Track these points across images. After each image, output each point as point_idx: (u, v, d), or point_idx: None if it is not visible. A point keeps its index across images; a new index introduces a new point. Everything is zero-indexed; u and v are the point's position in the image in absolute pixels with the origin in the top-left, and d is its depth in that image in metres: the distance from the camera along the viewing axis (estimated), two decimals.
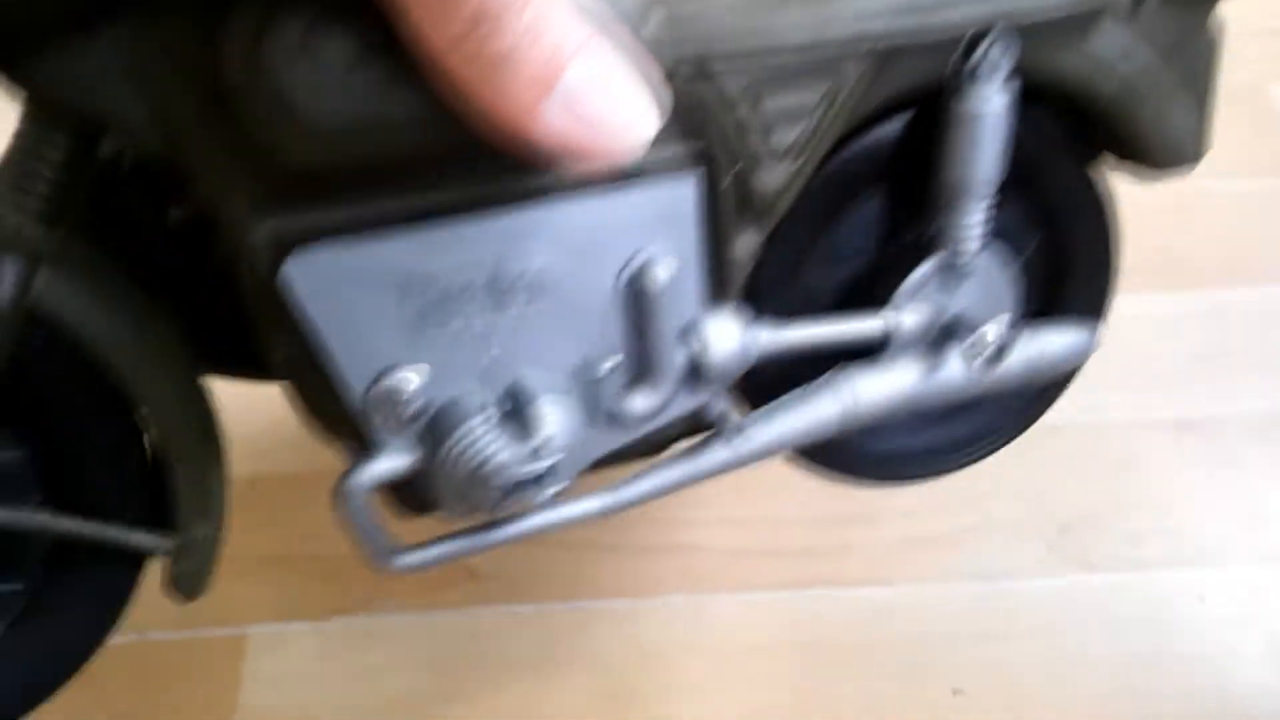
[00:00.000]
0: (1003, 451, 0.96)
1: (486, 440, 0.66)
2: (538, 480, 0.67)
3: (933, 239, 0.83)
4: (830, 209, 0.80)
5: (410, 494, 0.73)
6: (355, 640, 0.97)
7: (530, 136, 0.55)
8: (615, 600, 0.93)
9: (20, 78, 0.58)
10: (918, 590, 0.94)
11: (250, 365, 0.79)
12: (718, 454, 0.78)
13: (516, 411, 0.68)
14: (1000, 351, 0.78)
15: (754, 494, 0.99)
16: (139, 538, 0.68)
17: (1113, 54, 0.77)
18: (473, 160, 0.63)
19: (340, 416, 0.68)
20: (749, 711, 0.87)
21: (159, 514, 0.70)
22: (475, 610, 0.97)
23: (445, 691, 0.90)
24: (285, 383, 0.70)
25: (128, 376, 0.64)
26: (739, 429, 0.77)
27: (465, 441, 0.66)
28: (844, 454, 0.89)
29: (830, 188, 0.79)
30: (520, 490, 0.67)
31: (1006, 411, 0.94)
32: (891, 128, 0.78)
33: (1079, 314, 0.90)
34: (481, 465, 0.66)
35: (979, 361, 0.78)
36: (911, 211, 0.84)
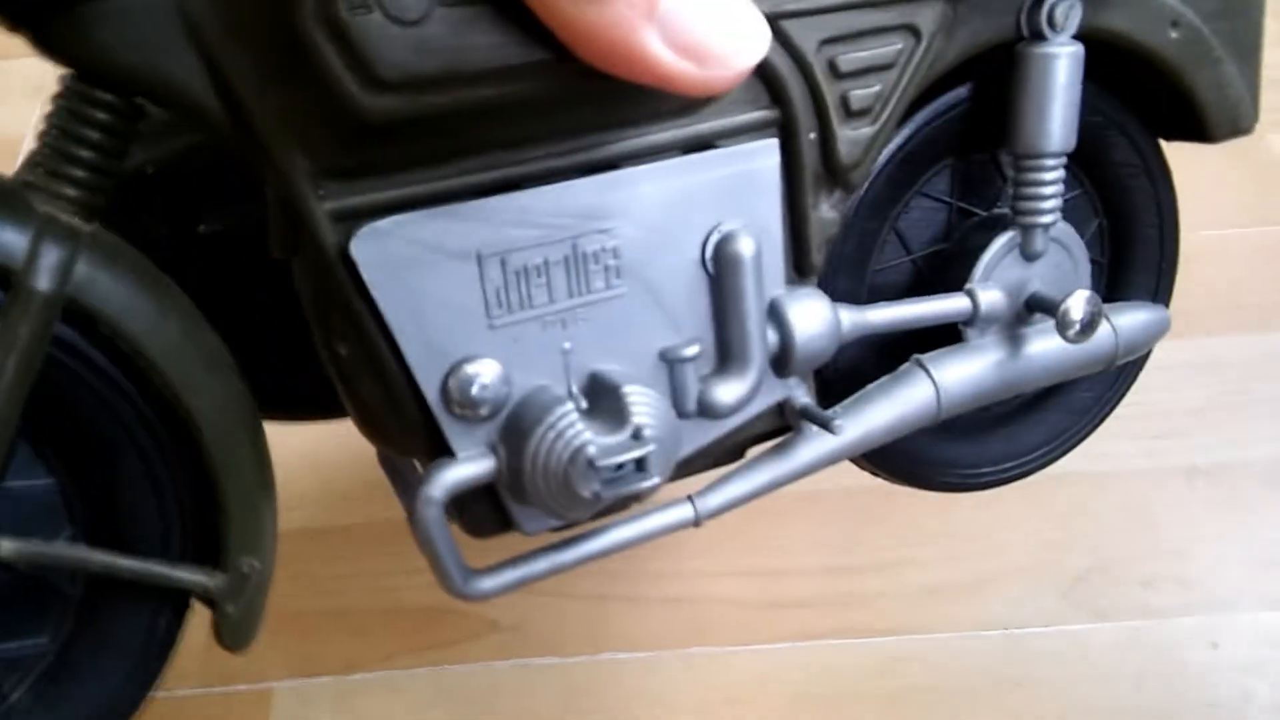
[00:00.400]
0: (1013, 501, 0.98)
1: (578, 429, 0.59)
2: (637, 467, 0.60)
3: (1003, 218, 0.79)
4: (898, 189, 0.77)
5: (484, 510, 0.66)
6: (377, 694, 0.96)
7: (633, 62, 0.51)
8: (635, 653, 0.94)
9: (66, 43, 0.52)
10: (932, 641, 0.94)
11: (279, 401, 0.72)
12: (804, 453, 0.72)
13: (602, 402, 0.62)
14: (1091, 323, 0.74)
15: (769, 547, 1.00)
16: (185, 574, 0.59)
17: (1165, 16, 0.76)
18: (545, 119, 0.59)
19: (408, 422, 0.61)
20: None
21: (203, 550, 0.61)
22: (495, 664, 0.97)
23: None
24: (346, 390, 0.63)
25: (176, 380, 0.56)
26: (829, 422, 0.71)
27: (555, 432, 0.59)
28: (919, 459, 0.84)
29: (899, 166, 0.75)
30: (618, 482, 0.60)
31: (1073, 411, 0.90)
32: (958, 96, 0.75)
33: (1143, 298, 0.87)
34: (576, 455, 0.59)
35: (1072, 333, 0.74)
36: (980, 190, 0.80)
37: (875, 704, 0.90)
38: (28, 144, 1.37)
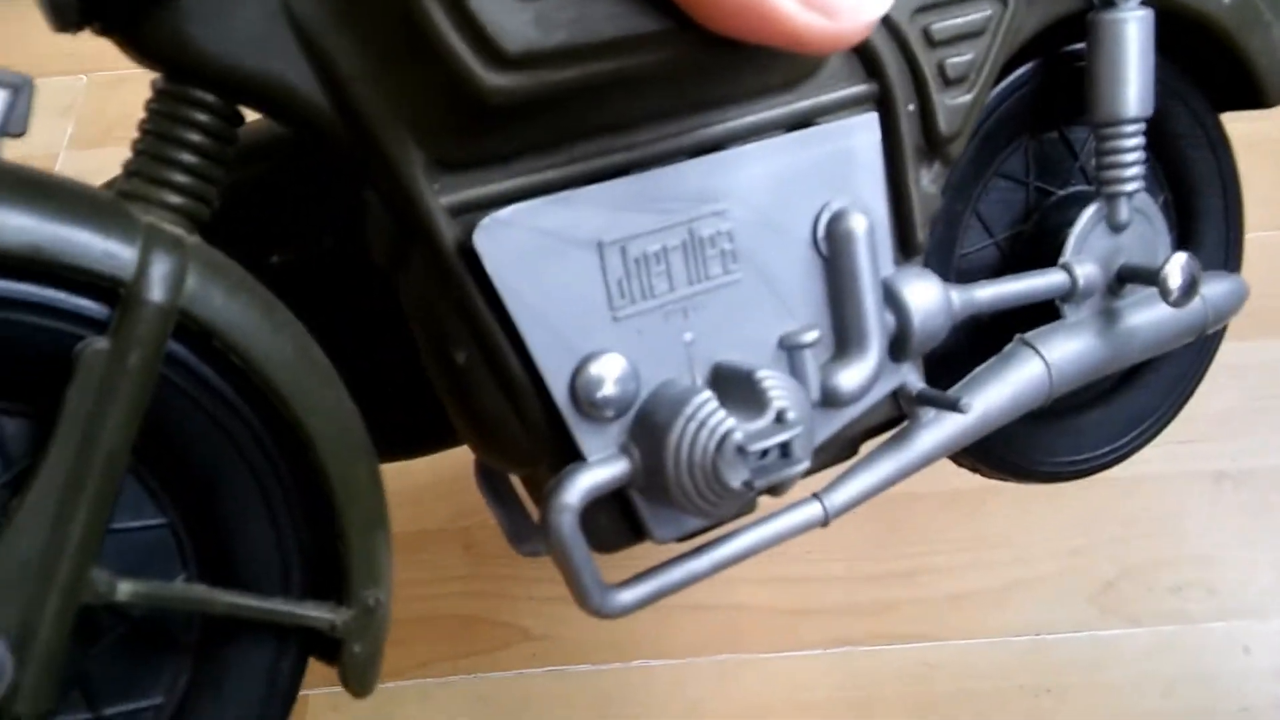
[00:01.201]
0: (1041, 507, 0.99)
1: (720, 416, 0.56)
2: (782, 454, 0.57)
3: (1080, 195, 0.78)
4: (979, 170, 0.75)
5: (611, 520, 0.61)
6: (412, 702, 0.95)
7: (763, 19, 0.49)
8: (667, 660, 0.94)
9: (159, 43, 0.49)
10: (964, 646, 0.94)
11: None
12: (924, 440, 0.69)
13: (734, 390, 0.59)
14: (1192, 286, 0.72)
15: (799, 554, 1.00)
16: (311, 611, 0.54)
17: None
18: (655, 98, 0.57)
19: (533, 427, 0.57)
20: None
21: (322, 587, 0.56)
22: (528, 671, 0.96)
23: None
24: (461, 402, 0.59)
25: (293, 398, 0.52)
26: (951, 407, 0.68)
27: (696, 422, 0.56)
28: (1022, 448, 0.81)
29: (978, 146, 0.74)
30: (767, 470, 0.57)
31: (1160, 390, 0.88)
32: (1026, 73, 0.75)
33: (1214, 269, 0.86)
34: (723, 443, 0.55)
35: (1174, 297, 0.72)
36: (1054, 168, 0.79)
37: (906, 709, 0.89)
38: (61, 163, 1.34)
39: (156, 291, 0.48)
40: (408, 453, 0.71)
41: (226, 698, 0.54)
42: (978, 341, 0.76)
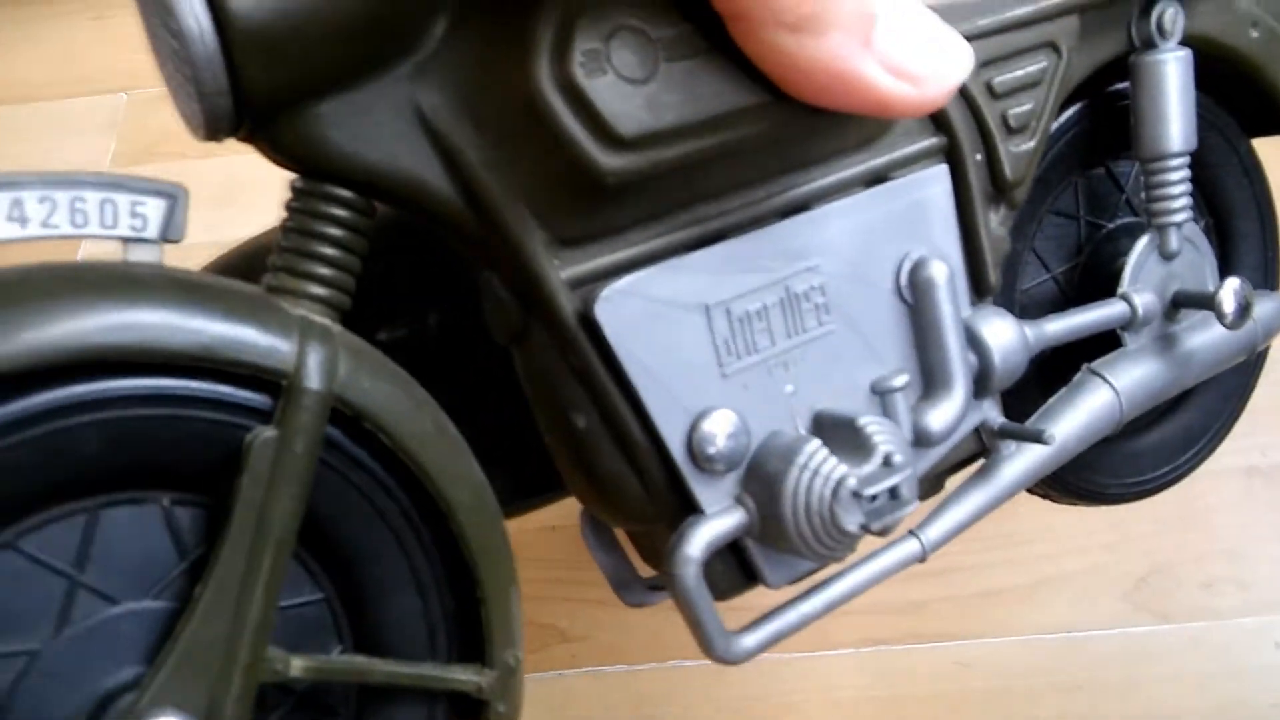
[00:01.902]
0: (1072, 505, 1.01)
1: (832, 464, 0.59)
2: (893, 496, 0.60)
3: (1130, 226, 0.82)
4: (1034, 208, 0.79)
5: (726, 568, 0.64)
6: None
7: (854, 91, 0.53)
8: (701, 660, 0.94)
9: (298, 145, 0.52)
10: (995, 645, 0.94)
11: None
12: (1008, 472, 0.72)
13: (837, 437, 0.62)
14: (1246, 308, 0.76)
15: None
16: (459, 675, 0.57)
17: (1246, 19, 0.81)
18: (749, 165, 0.60)
19: (651, 485, 0.60)
20: None
21: (462, 650, 0.59)
22: (566, 672, 0.97)
23: None
24: (580, 465, 0.61)
25: (436, 472, 0.55)
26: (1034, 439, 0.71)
27: (810, 471, 0.59)
28: (1090, 472, 0.84)
29: (1034, 186, 0.78)
30: (879, 513, 0.59)
31: (1212, 409, 0.91)
32: (1073, 115, 0.79)
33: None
34: (839, 489, 0.58)
35: (1230, 320, 0.75)
36: (1103, 203, 0.83)
37: (938, 708, 0.90)
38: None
39: (314, 380, 0.50)
40: (509, 513, 0.74)
41: None
42: (1036, 372, 0.79)
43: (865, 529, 0.59)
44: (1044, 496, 0.85)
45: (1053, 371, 0.78)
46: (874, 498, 0.60)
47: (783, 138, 0.59)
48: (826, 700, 0.91)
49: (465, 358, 0.68)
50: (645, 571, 0.74)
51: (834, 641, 0.94)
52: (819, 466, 0.59)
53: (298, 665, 0.51)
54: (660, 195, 0.58)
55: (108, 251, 0.50)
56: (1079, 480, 0.83)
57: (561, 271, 0.57)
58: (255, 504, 0.49)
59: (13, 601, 0.47)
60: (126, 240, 0.50)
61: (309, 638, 0.54)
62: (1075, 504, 0.86)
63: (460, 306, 0.67)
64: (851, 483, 0.59)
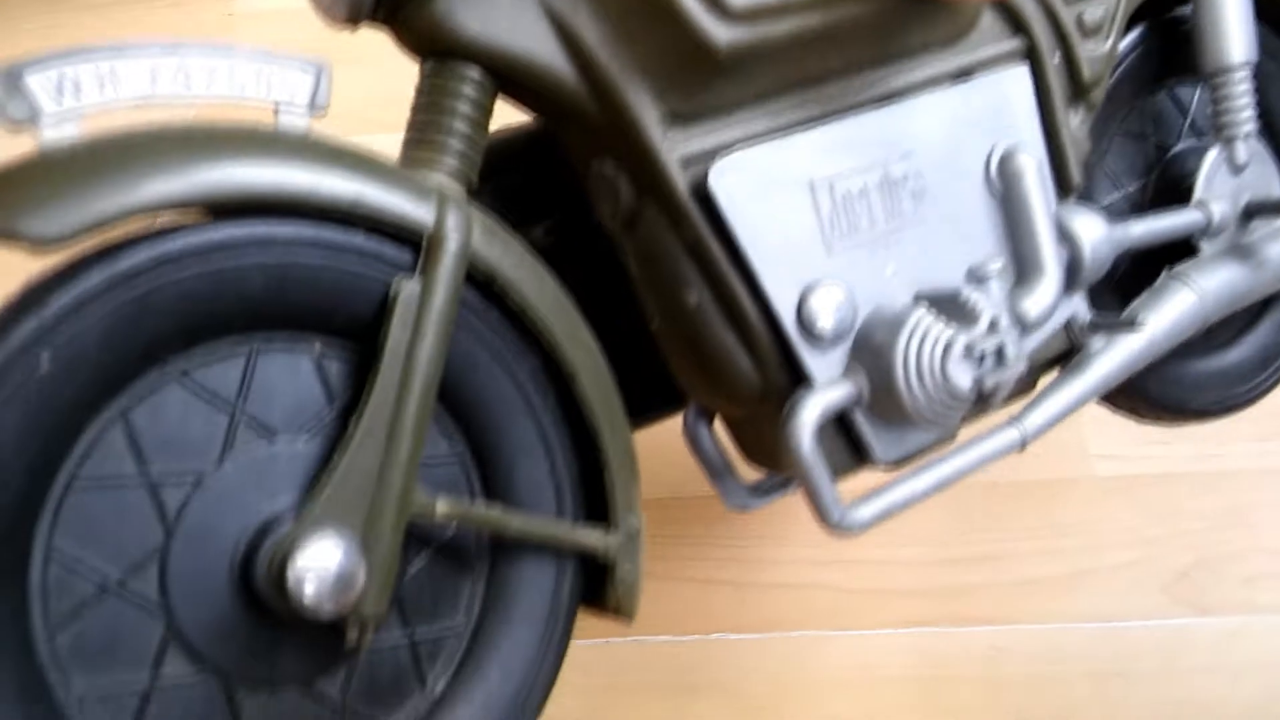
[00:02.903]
0: (1117, 499, 1.01)
1: (941, 326, 0.61)
2: (999, 356, 0.62)
3: (1196, 144, 0.84)
4: (1106, 127, 0.81)
5: (837, 445, 0.66)
6: None
7: None
8: (745, 635, 0.96)
9: (428, 31, 0.56)
10: (1033, 631, 0.95)
11: None
12: (1101, 364, 0.73)
13: (942, 310, 0.64)
14: None
15: (875, 539, 1.01)
16: (587, 534, 0.58)
17: None
18: (848, 52, 0.63)
19: (762, 359, 0.62)
20: None
21: (587, 514, 0.61)
22: (614, 640, 0.97)
23: (588, 716, 0.94)
24: (691, 345, 0.63)
25: (561, 336, 0.57)
26: (1124, 328, 0.72)
27: (919, 335, 0.61)
28: (1177, 385, 0.85)
29: (1105, 104, 0.80)
30: (989, 372, 0.61)
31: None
32: (1136, 38, 0.82)
33: None
34: (949, 348, 0.60)
35: None
36: (1167, 124, 0.86)
37: (974, 689, 0.91)
38: None
39: (453, 237, 0.53)
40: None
41: (516, 620, 0.58)
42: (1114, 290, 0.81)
43: (977, 387, 0.60)
44: (1130, 412, 0.86)
45: (1134, 283, 0.80)
46: (982, 358, 0.61)
47: (879, 25, 0.62)
48: (866, 678, 0.92)
49: (571, 267, 0.71)
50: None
51: (876, 621, 0.96)
52: (929, 329, 0.61)
53: (442, 507, 0.53)
54: (767, 76, 0.61)
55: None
56: (1164, 395, 0.84)
57: (676, 148, 0.60)
58: (402, 347, 0.52)
59: (181, 428, 0.49)
60: (278, 107, 0.53)
61: (447, 493, 0.56)
62: (1160, 420, 0.87)
63: (564, 220, 0.70)
64: (962, 342, 0.60)
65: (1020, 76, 0.70)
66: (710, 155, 0.60)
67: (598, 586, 0.61)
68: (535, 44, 0.57)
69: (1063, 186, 0.73)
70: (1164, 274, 0.79)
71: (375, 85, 1.34)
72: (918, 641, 0.94)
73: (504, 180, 0.71)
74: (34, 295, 0.45)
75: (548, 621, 0.59)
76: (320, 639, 0.51)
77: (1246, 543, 1.01)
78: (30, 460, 0.45)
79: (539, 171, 0.69)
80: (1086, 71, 0.72)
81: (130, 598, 0.47)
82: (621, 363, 0.65)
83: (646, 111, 0.59)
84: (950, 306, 0.63)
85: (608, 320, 0.66)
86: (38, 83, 0.47)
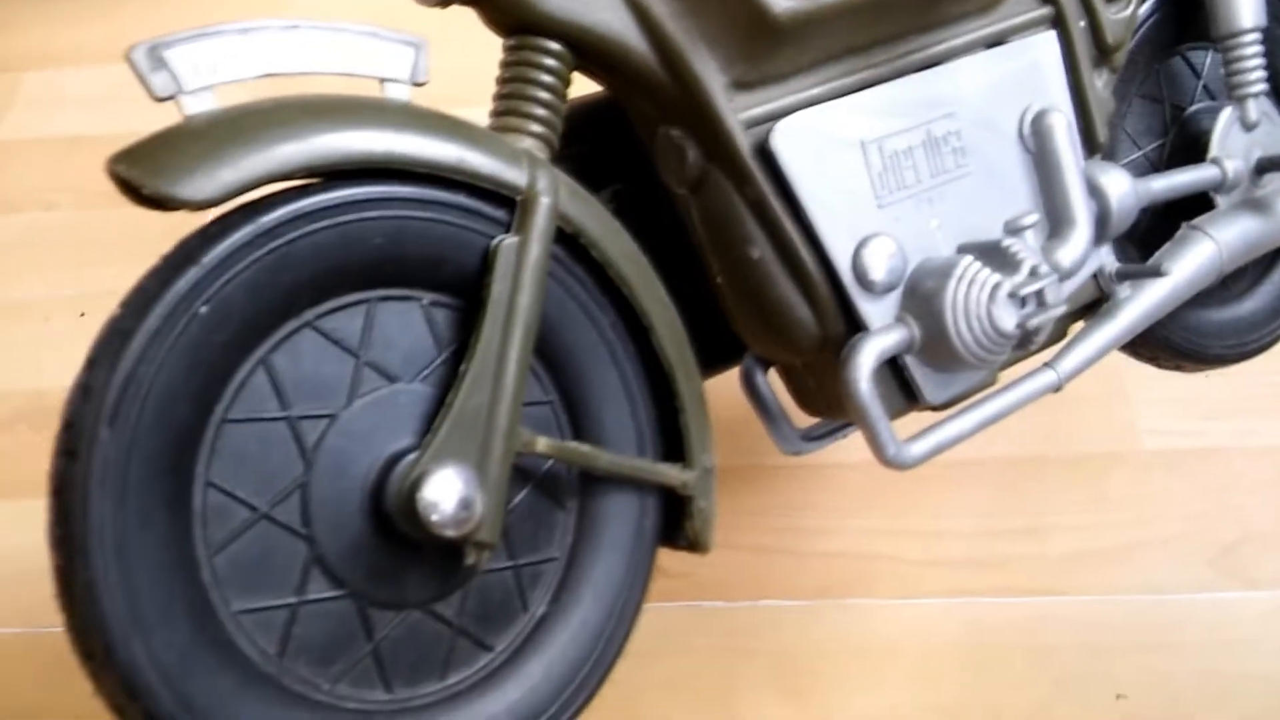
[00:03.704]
0: (1164, 474, 1.03)
1: (987, 272, 0.66)
2: (1041, 302, 0.67)
3: (1212, 107, 0.89)
4: (1125, 91, 0.87)
5: (889, 388, 0.71)
6: None
7: None
8: (794, 601, 0.97)
9: (510, 8, 0.61)
10: (1081, 602, 0.96)
11: None
12: (1129, 311, 0.79)
13: (987, 257, 0.69)
14: None
15: (926, 509, 1.04)
16: (668, 470, 0.64)
17: None
18: (894, 22, 0.68)
19: (820, 308, 0.67)
20: (916, 710, 0.89)
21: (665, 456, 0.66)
22: (666, 605, 0.97)
23: (641, 679, 0.90)
24: (753, 298, 0.68)
25: (640, 290, 0.62)
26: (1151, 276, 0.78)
27: (966, 281, 0.66)
28: (1196, 332, 0.90)
29: (1124, 69, 0.85)
30: (1031, 315, 0.66)
31: None
32: (1153, 5, 0.87)
33: None
34: (995, 292, 0.65)
35: None
36: (1181, 86, 0.91)
37: (1020, 658, 0.92)
38: None
39: (545, 197, 0.58)
40: None
41: (605, 548, 0.63)
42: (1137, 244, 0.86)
43: (1021, 328, 0.66)
44: (1151, 360, 0.91)
45: (1156, 237, 0.85)
46: (1025, 301, 0.67)
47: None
48: (913, 645, 0.93)
49: (638, 228, 0.76)
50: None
51: (926, 590, 0.97)
52: (975, 275, 0.66)
53: (543, 443, 0.58)
54: (822, 44, 0.66)
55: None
56: (1185, 342, 0.90)
57: (739, 112, 0.64)
58: (504, 297, 0.57)
59: (315, 372, 0.54)
60: (384, 80, 0.58)
61: (541, 433, 0.61)
62: (1180, 367, 0.92)
63: (631, 186, 0.74)
64: (1006, 286, 0.66)
65: (1049, 41, 0.75)
66: (771, 118, 0.65)
67: (674, 527, 0.66)
68: (610, 17, 0.62)
69: (1090, 145, 0.78)
70: (1183, 226, 0.84)
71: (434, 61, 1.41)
72: (966, 611, 0.95)
73: (570, 150, 0.76)
74: (190, 250, 0.50)
75: (633, 549, 0.64)
76: (440, 566, 0.56)
77: None
78: (191, 400, 0.50)
79: (603, 142, 0.74)
80: (1110, 36, 0.77)
81: (277, 525, 0.52)
82: (694, 316, 0.70)
83: (712, 79, 0.64)
84: (993, 255, 0.68)
85: (669, 283, 0.71)
86: (177, 59, 0.52)
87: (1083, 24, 0.77)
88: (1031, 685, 0.88)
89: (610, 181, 0.75)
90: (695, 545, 0.66)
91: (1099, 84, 0.78)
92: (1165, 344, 0.89)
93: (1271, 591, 0.96)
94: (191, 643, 0.49)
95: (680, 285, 0.70)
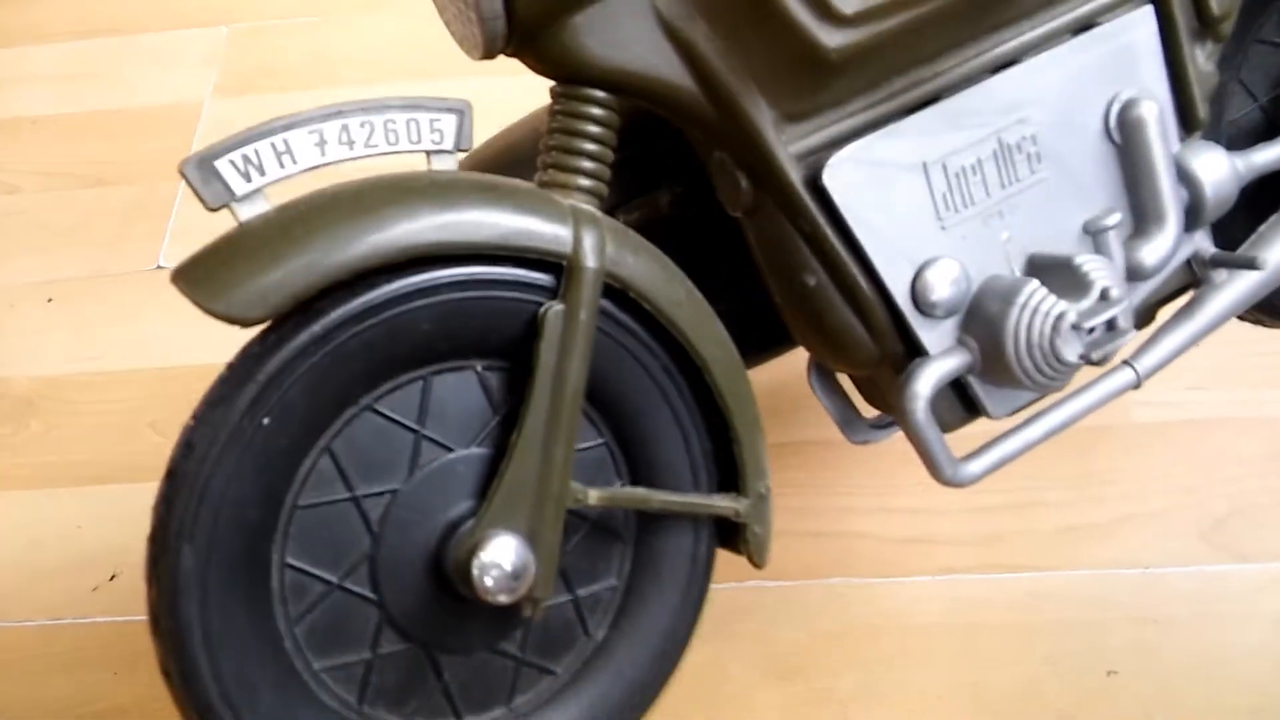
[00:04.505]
0: (1154, 446, 0.99)
1: (1052, 300, 0.64)
2: (1110, 327, 0.65)
3: None
4: (1240, 39, 0.79)
5: (949, 403, 0.71)
6: None
7: None
8: (782, 581, 0.96)
9: (558, 55, 0.60)
10: (1070, 577, 0.95)
11: None
12: (1222, 298, 0.75)
13: (1054, 277, 0.66)
14: None
15: (913, 487, 1.01)
16: (720, 502, 0.66)
17: None
18: (960, 27, 0.64)
19: (878, 334, 0.67)
20: (903, 689, 0.89)
21: (720, 483, 0.68)
22: None
23: None
24: (811, 320, 0.68)
25: (691, 334, 0.63)
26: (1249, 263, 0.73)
27: (1030, 309, 0.64)
28: None
29: (1240, 16, 0.78)
30: (1097, 344, 0.65)
31: None
32: None
33: None
34: (1059, 323, 0.63)
35: None
36: None
37: (1010, 635, 0.91)
38: (206, 111, 1.37)
39: (590, 259, 0.59)
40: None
41: (663, 577, 0.67)
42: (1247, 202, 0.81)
43: (1085, 359, 0.64)
44: (1255, 322, 0.87)
45: (1265, 201, 0.80)
46: (1092, 330, 0.65)
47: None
48: (901, 624, 0.93)
49: (693, 233, 0.76)
50: (868, 413, 0.81)
51: (911, 569, 0.97)
52: (1039, 304, 0.64)
53: (594, 495, 0.62)
54: (880, 65, 0.63)
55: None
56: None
57: (790, 146, 0.63)
58: (551, 365, 0.59)
59: (377, 452, 0.58)
60: (430, 152, 0.59)
61: (596, 476, 0.65)
62: None
63: (686, 188, 0.74)
64: (1071, 317, 0.64)
65: (1145, 18, 0.69)
66: (825, 147, 0.63)
67: (733, 533, 0.69)
68: (657, 61, 0.61)
69: (1188, 124, 0.72)
70: None
71: (398, 32, 1.38)
72: (954, 589, 0.95)
73: (628, 151, 0.75)
74: (248, 365, 0.54)
75: (689, 574, 0.68)
76: (501, 613, 0.61)
77: None
78: (262, 497, 0.55)
79: (661, 141, 0.73)
80: (1215, 4, 0.70)
81: (349, 593, 0.58)
82: (755, 305, 0.71)
83: (762, 115, 0.62)
84: (1063, 275, 0.66)
85: (739, 270, 0.71)
86: (226, 167, 0.55)
87: None
88: (1020, 663, 0.88)
89: (669, 179, 0.74)
90: (751, 562, 0.69)
91: (1201, 57, 0.72)
92: (1269, 307, 0.85)
93: (1263, 565, 0.95)
94: (279, 704, 0.56)
95: (748, 273, 0.71)
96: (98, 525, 0.98)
